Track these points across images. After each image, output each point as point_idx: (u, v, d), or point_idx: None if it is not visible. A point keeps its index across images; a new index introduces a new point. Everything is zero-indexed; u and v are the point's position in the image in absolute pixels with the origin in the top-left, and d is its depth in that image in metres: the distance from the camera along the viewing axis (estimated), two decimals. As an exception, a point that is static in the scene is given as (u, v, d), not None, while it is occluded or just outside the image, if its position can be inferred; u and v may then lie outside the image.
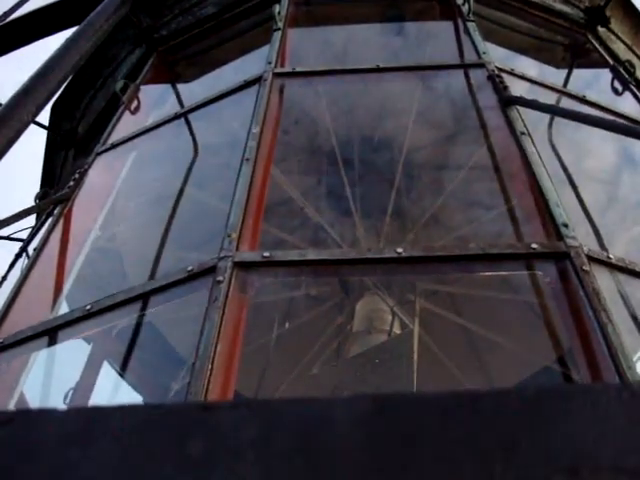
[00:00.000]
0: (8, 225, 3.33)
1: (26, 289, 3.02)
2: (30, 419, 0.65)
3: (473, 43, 3.66)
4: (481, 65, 3.43)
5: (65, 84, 4.46)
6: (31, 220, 4.59)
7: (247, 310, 2.25)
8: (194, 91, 4.36)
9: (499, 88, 3.14)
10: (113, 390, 4.41)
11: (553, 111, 3.32)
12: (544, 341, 3.42)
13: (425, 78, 3.77)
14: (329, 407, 0.62)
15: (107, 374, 4.21)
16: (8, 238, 4.53)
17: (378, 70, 3.53)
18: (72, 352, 3.76)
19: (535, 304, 3.24)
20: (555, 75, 4.38)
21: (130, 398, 4.53)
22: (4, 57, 4.31)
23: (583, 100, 3.53)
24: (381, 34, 4.64)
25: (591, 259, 2.22)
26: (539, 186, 2.53)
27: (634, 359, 2.39)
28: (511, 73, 3.42)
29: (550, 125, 3.53)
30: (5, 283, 4.26)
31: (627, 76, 4.06)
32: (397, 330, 3.82)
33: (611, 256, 2.32)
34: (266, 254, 2.26)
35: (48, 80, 2.09)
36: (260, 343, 4.18)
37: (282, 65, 3.60)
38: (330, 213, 4.43)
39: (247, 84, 3.45)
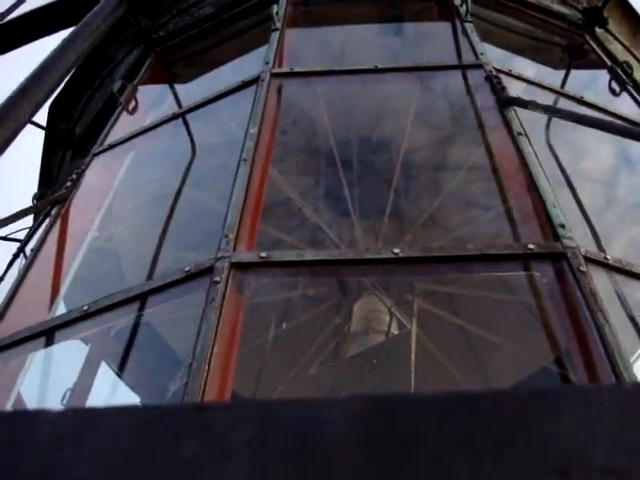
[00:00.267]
0: (6, 225, 3.33)
1: (23, 290, 3.02)
2: (23, 420, 0.65)
3: (471, 44, 3.66)
4: (479, 66, 3.43)
5: (62, 84, 4.47)
6: (29, 220, 4.59)
7: (244, 310, 2.25)
8: (192, 91, 4.36)
9: (497, 89, 3.15)
10: (111, 390, 4.41)
11: (551, 112, 3.32)
12: (542, 342, 3.43)
13: (423, 79, 3.77)
14: (324, 408, 0.62)
15: (105, 374, 4.21)
16: (6, 238, 4.53)
17: (376, 71, 3.53)
18: (70, 353, 3.75)
19: (532, 305, 3.24)
20: (553, 76, 4.38)
21: (128, 398, 4.53)
22: (1, 58, 4.31)
23: (581, 101, 3.53)
24: (379, 35, 4.64)
25: (588, 260, 2.22)
26: (536, 187, 2.53)
27: (631, 360, 2.40)
28: (509, 74, 3.42)
29: (548, 126, 3.54)
30: (2, 284, 4.25)
31: (625, 77, 4.06)
32: (395, 331, 3.82)
33: (608, 257, 2.32)
34: (263, 254, 2.26)
35: (44, 80, 2.09)
36: (258, 344, 4.17)
37: (280, 65, 3.60)
38: (328, 213, 4.43)
39: (245, 84, 3.44)
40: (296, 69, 3.58)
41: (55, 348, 2.71)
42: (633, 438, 0.50)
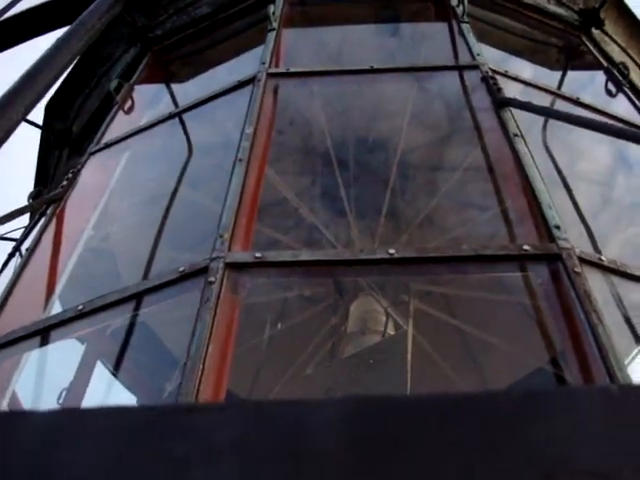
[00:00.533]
0: (1, 224, 3.33)
1: (18, 289, 3.01)
2: (13, 421, 0.65)
3: (467, 45, 3.66)
4: (475, 67, 3.43)
5: (59, 83, 4.47)
6: (25, 220, 4.59)
7: (239, 311, 2.25)
8: (188, 91, 4.36)
9: (493, 90, 3.15)
10: (107, 390, 4.41)
11: (547, 113, 3.33)
12: (538, 342, 3.43)
13: (419, 79, 3.77)
14: (314, 409, 0.62)
15: (101, 374, 4.20)
16: (1, 238, 4.52)
17: (373, 71, 3.53)
18: (66, 352, 3.75)
19: (528, 305, 3.24)
20: (549, 77, 4.39)
21: (124, 398, 4.53)
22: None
23: (577, 102, 3.54)
24: (376, 35, 4.64)
25: (583, 261, 2.22)
26: (532, 188, 2.54)
27: (627, 360, 2.40)
28: (505, 75, 3.42)
29: (544, 127, 3.54)
30: (-2, 283, 4.24)
31: (621, 78, 4.07)
32: (391, 331, 3.82)
33: (603, 258, 2.32)
34: (258, 255, 2.26)
35: (39, 79, 2.09)
36: (254, 344, 4.17)
37: (276, 65, 3.60)
38: (324, 214, 4.43)
39: (241, 84, 3.44)
40: (292, 69, 3.58)
41: (51, 347, 2.71)
42: (619, 440, 0.50)
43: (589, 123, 2.95)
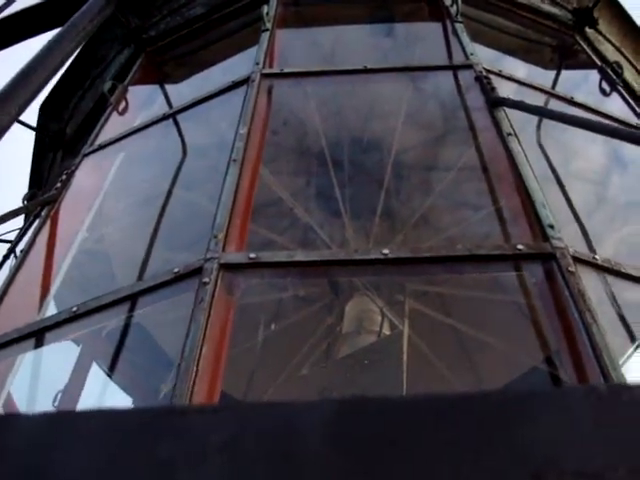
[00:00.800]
0: (-5, 226, 3.32)
1: (13, 291, 3.01)
2: (2, 424, 0.65)
3: (461, 44, 3.66)
4: (469, 66, 3.43)
5: (53, 85, 4.46)
6: (20, 221, 4.58)
7: (234, 311, 2.25)
8: (182, 92, 4.35)
9: (487, 89, 3.15)
10: (102, 391, 4.40)
11: (540, 112, 3.33)
12: (533, 341, 3.44)
13: (413, 79, 3.77)
14: (302, 411, 0.62)
15: (96, 375, 4.20)
16: (-4, 239, 4.51)
17: (367, 71, 3.53)
18: (61, 354, 3.75)
19: (523, 305, 3.25)
20: (543, 76, 4.39)
21: (119, 399, 4.52)
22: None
23: (571, 101, 3.54)
24: (370, 35, 4.64)
25: (577, 260, 2.22)
26: (525, 187, 2.54)
27: (621, 360, 2.41)
28: (499, 74, 3.42)
29: (538, 126, 3.54)
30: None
31: (615, 77, 4.07)
32: (387, 331, 3.82)
33: (597, 257, 2.33)
34: (252, 255, 2.26)
35: (30, 81, 2.08)
36: (250, 344, 4.17)
37: (270, 66, 3.59)
38: (319, 214, 4.43)
39: (235, 85, 3.44)
40: (286, 70, 3.58)
41: (45, 349, 2.71)
42: (607, 440, 0.50)
43: (583, 122, 2.96)
